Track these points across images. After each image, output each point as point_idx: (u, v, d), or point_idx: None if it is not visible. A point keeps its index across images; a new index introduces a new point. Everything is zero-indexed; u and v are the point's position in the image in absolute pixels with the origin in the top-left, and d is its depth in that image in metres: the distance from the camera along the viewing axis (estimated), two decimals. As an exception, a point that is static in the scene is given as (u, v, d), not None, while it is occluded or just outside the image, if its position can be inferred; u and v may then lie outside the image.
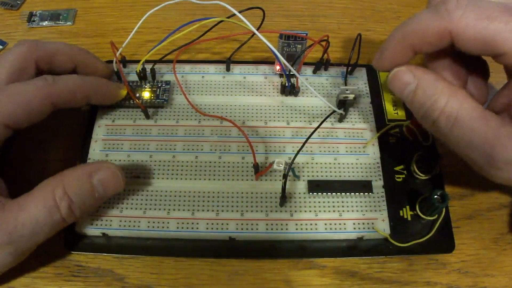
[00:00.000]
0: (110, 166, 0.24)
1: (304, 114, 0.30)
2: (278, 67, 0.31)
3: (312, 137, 0.26)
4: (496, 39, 0.20)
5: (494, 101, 0.25)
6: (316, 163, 0.28)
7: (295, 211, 0.26)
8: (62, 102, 0.26)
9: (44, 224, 0.22)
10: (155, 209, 0.26)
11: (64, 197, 0.22)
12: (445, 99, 0.22)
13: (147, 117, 0.29)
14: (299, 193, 0.27)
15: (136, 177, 0.27)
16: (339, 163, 0.28)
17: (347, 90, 0.28)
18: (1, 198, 0.23)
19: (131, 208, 0.26)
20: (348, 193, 0.27)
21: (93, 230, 0.26)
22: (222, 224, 0.26)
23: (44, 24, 0.37)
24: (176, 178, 0.27)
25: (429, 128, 0.24)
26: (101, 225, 0.26)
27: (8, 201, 0.22)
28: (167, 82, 0.30)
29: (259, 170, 0.27)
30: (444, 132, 0.22)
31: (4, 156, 0.28)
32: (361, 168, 0.28)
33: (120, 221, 0.26)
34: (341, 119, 0.30)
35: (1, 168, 0.28)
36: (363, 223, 0.26)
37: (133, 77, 0.31)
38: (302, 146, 0.26)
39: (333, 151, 0.29)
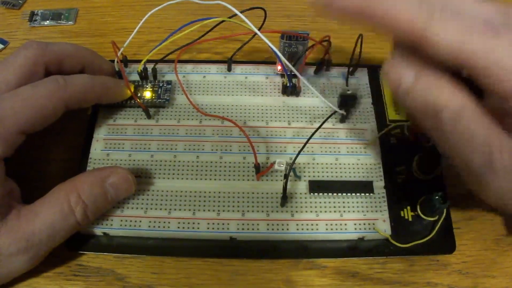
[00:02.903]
0: (122, 171, 0.25)
1: (306, 114, 0.30)
2: (279, 67, 0.31)
3: (313, 137, 0.26)
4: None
5: None
6: (317, 164, 0.28)
7: (296, 211, 0.26)
8: (74, 103, 0.25)
9: (60, 228, 0.22)
10: (156, 209, 0.26)
11: (78, 202, 0.23)
12: (449, 93, 0.20)
13: (149, 117, 0.29)
14: (300, 193, 0.27)
15: (137, 177, 0.27)
16: (340, 164, 0.28)
17: (348, 90, 0.28)
18: (16, 204, 0.23)
19: (132, 208, 0.26)
20: (349, 194, 0.27)
21: (94, 230, 0.26)
22: (223, 224, 0.26)
23: (45, 23, 0.37)
24: (177, 178, 0.27)
25: (429, 125, 0.22)
26: (102, 224, 0.26)
27: (24, 208, 0.23)
28: (169, 82, 0.30)
29: (260, 170, 0.27)
30: (447, 127, 0.20)
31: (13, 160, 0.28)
32: (362, 168, 0.28)
33: (121, 221, 0.26)
34: (342, 119, 0.30)
35: (11, 172, 0.28)
36: (364, 224, 0.26)
37: (135, 77, 0.31)
38: (303, 147, 0.26)
39: (334, 152, 0.29)
